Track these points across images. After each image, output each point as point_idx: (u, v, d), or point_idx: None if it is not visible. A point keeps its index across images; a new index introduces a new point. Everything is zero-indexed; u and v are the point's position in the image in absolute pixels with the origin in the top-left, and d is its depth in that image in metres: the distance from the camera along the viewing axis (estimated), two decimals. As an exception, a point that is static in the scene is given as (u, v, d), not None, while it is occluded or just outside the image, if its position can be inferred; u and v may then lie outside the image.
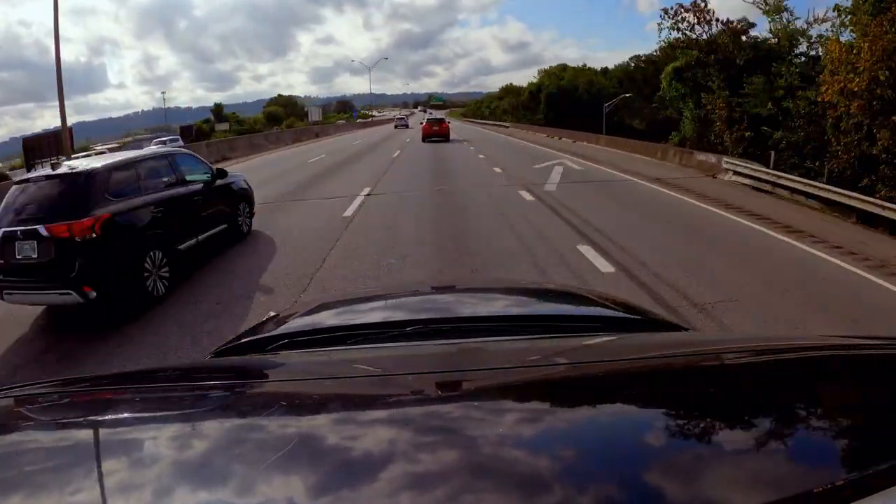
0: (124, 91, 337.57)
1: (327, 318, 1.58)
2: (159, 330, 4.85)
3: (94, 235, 4.85)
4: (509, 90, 75.51)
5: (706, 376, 0.85)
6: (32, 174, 5.75)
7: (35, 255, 4.79)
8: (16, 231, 4.82)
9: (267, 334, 1.35)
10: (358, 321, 1.47)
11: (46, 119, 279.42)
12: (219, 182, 7.17)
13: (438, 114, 66.56)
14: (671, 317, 1.89)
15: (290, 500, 0.52)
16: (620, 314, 1.52)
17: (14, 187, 5.38)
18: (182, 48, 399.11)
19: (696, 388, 0.79)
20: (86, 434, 0.73)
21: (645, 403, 0.74)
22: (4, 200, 5.19)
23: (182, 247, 6.08)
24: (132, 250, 5.24)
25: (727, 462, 0.56)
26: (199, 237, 6.45)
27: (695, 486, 0.52)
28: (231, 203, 7.49)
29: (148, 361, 4.19)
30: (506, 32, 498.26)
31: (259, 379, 0.99)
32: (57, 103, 19.60)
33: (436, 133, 29.18)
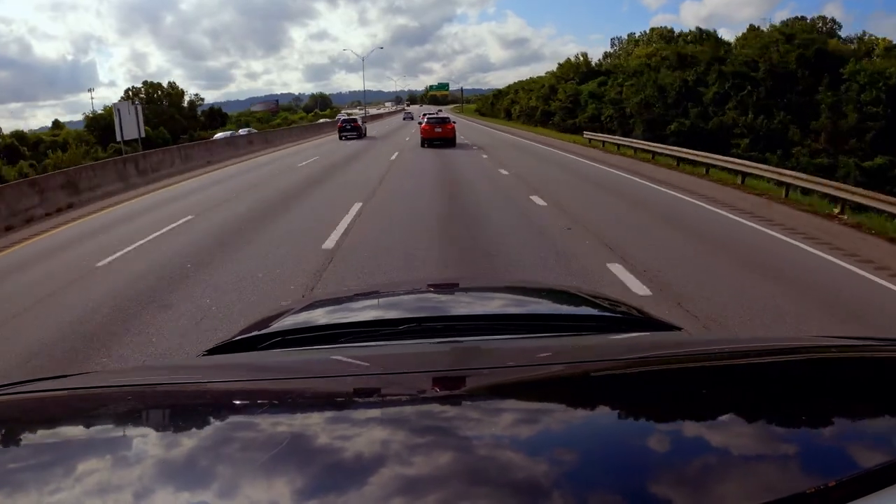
0: (116, 90, 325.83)
1: (321, 317, 1.59)
2: (366, 140, 36.62)
3: (359, 125, 38.45)
4: (571, 66, 47.58)
5: (703, 376, 0.86)
6: (344, 116, 43.43)
7: (350, 128, 37.86)
8: (346, 123, 38.36)
9: (260, 332, 1.36)
10: (352, 319, 1.49)
11: (39, 119, 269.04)
12: (365, 123, 41.27)
13: (429, 109, 62.74)
14: (668, 317, 1.91)
15: (281, 501, 0.52)
16: (616, 314, 1.52)
17: (341, 114, 43.44)
18: (174, 46, 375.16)
19: (693, 389, 0.80)
20: (73, 432, 0.74)
21: (641, 403, 0.74)
22: (339, 117, 43.06)
23: (364, 132, 39.44)
24: (362, 128, 38.84)
25: (724, 463, 0.57)
26: (364, 132, 39.53)
27: (692, 487, 0.52)
28: (363, 128, 40.10)
29: (373, 143, 34.28)
30: (504, 28, 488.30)
31: (251, 377, 0.99)
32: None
33: (438, 136, 24.28)
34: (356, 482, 0.54)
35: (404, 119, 63.10)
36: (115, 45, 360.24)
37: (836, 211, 9.90)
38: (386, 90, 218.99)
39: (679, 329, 1.52)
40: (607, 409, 0.75)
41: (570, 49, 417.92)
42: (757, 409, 0.70)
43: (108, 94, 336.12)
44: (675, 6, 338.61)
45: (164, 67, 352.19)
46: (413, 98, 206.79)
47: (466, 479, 0.54)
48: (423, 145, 23.93)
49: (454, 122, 26.38)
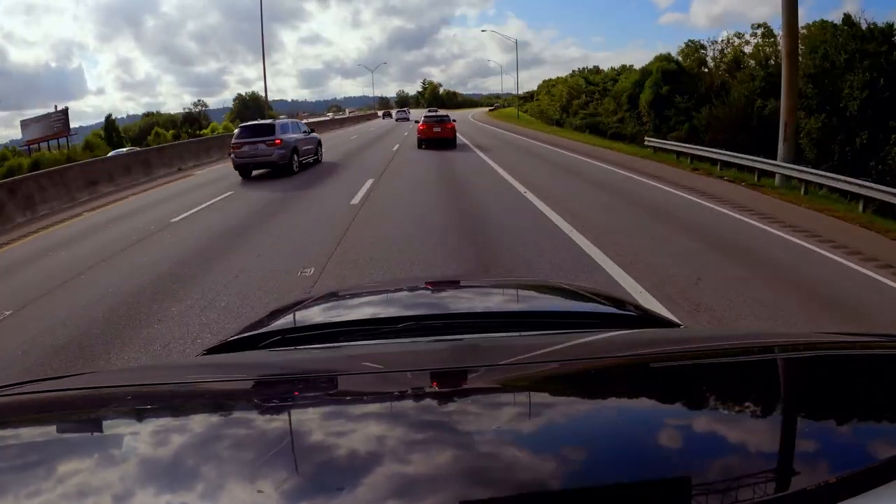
0: (105, 97, 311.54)
1: (321, 315, 1.61)
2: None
3: (407, 113, 30.50)
4: None
5: (703, 373, 0.88)
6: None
7: (399, 114, 29.78)
8: (399, 112, 30.63)
9: (259, 331, 1.37)
10: (352, 317, 1.52)
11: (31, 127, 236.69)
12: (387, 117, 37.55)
13: (405, 111, 61.38)
14: (667, 314, 1.98)
15: (280, 500, 0.53)
16: (616, 311, 1.54)
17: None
18: (165, 51, 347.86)
19: (693, 385, 0.82)
20: (73, 433, 0.75)
21: (641, 400, 0.77)
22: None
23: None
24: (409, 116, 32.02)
25: (726, 458, 0.58)
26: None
27: (694, 482, 0.54)
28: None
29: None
30: (505, 31, 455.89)
31: (250, 377, 1.00)
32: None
33: (437, 136, 22.01)
34: (357, 480, 0.55)
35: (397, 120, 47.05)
36: (101, 51, 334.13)
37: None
38: (384, 95, 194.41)
39: (678, 325, 1.68)
40: (608, 406, 0.76)
41: (571, 52, 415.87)
42: (758, 406, 0.73)
43: (97, 102, 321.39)
44: (685, 5, 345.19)
45: (153, 74, 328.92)
46: (404, 100, 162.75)
47: (467, 475, 0.56)
48: (419, 146, 22.24)
49: (454, 121, 23.86)
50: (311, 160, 16.55)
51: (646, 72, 31.36)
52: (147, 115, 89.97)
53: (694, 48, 31.34)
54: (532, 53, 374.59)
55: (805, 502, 0.49)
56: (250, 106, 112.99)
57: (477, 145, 23.53)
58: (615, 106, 34.25)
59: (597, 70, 51.46)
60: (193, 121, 72.49)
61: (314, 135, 17.70)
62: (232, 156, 14.63)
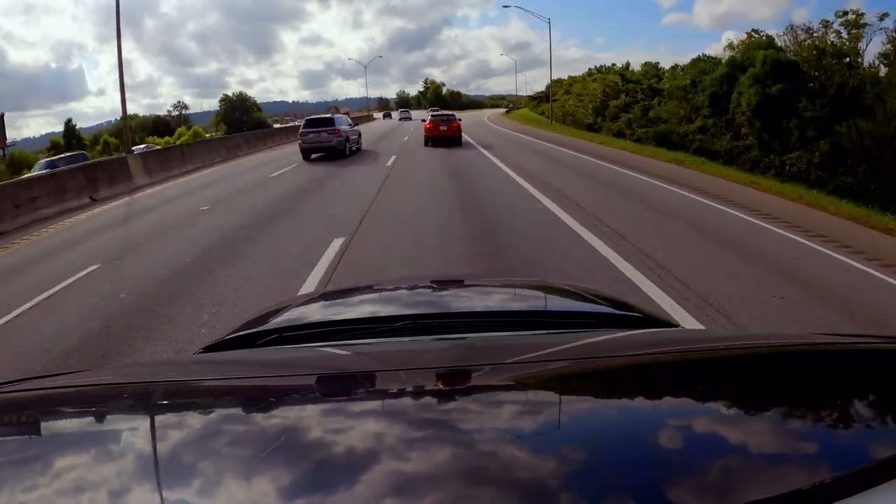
0: (106, 98, 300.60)
1: (319, 313, 1.62)
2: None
3: (409, 113, 21.35)
4: None
5: (703, 373, 0.88)
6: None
7: (405, 115, 21.79)
8: (403, 113, 23.96)
9: (257, 329, 1.38)
10: (350, 316, 1.53)
11: (33, 128, 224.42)
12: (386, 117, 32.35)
13: (407, 111, 61.97)
14: (665, 314, 1.90)
15: (278, 498, 0.53)
16: (617, 311, 1.55)
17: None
18: (165, 52, 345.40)
19: (693, 385, 0.82)
20: (69, 430, 0.76)
21: (642, 400, 0.77)
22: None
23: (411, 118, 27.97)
24: (411, 116, 25.24)
25: (724, 458, 0.59)
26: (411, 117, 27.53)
27: (692, 482, 0.55)
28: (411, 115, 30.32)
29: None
30: (506, 32, 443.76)
31: (247, 374, 1.01)
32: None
33: (443, 135, 22.05)
34: (355, 478, 0.55)
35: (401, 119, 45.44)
36: (101, 52, 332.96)
37: None
38: (384, 96, 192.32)
39: (676, 326, 1.73)
40: (609, 406, 0.76)
41: (573, 53, 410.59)
42: (758, 407, 0.73)
43: (98, 103, 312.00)
44: (688, 5, 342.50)
45: (153, 75, 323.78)
46: (405, 100, 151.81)
47: (467, 475, 0.56)
48: (426, 144, 22.50)
49: (460, 120, 24.42)
50: (354, 148, 20.43)
51: (737, 64, 23.48)
52: (123, 118, 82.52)
53: (759, 40, 23.74)
54: (534, 54, 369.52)
55: (803, 502, 0.50)
56: (238, 107, 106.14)
57: (560, 198, 9.95)
58: (688, 110, 26.24)
59: (627, 66, 44.29)
60: (165, 125, 63.99)
61: (357, 127, 22.44)
62: (300, 142, 19.08)
